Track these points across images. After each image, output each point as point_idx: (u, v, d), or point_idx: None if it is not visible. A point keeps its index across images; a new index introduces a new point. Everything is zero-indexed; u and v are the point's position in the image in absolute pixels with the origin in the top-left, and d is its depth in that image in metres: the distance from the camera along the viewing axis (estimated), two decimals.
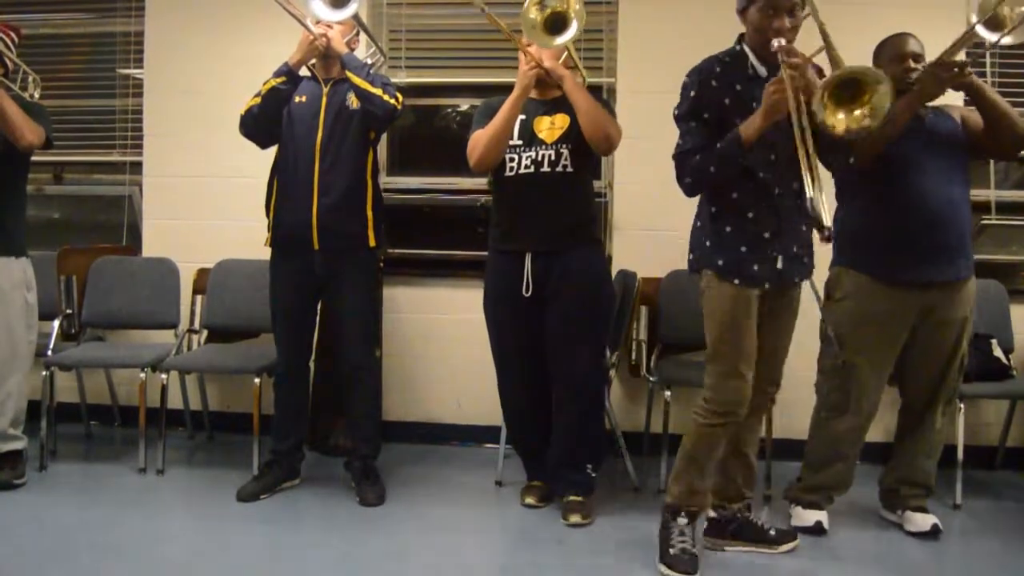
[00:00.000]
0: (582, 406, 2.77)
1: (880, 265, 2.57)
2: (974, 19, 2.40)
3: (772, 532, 2.51)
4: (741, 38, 2.33)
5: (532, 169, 2.69)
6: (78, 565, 2.34)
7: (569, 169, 2.69)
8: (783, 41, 2.10)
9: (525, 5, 2.48)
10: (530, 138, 2.72)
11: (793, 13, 2.17)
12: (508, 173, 2.73)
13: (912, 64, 2.54)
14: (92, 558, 2.39)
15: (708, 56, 2.31)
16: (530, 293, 2.71)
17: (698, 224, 2.40)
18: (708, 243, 2.33)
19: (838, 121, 2.01)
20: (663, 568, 2.31)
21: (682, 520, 2.36)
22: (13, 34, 2.95)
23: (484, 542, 2.70)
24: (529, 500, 2.88)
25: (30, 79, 2.96)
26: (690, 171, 2.25)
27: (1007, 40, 2.39)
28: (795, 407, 3.46)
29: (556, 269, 2.70)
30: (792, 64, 2.05)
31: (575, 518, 2.71)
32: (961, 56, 2.52)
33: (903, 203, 2.53)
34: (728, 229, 2.30)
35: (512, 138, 2.70)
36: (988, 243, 3.56)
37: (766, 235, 2.28)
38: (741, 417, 2.31)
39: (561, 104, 2.72)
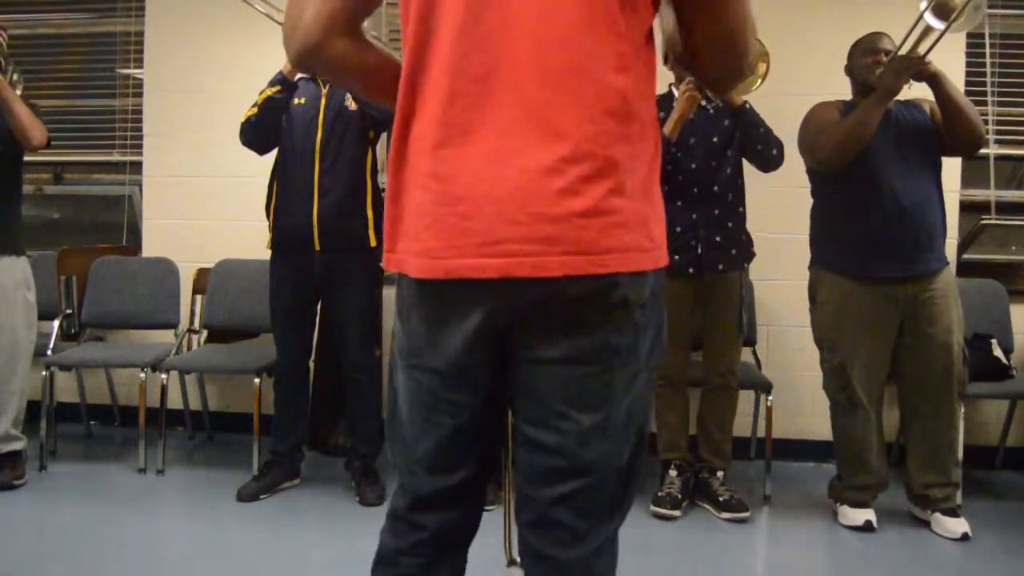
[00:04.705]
0: None
1: (853, 263, 2.65)
2: (923, 6, 2.42)
3: (721, 499, 2.80)
4: (672, 85, 2.88)
5: None
6: (78, 565, 2.34)
7: None
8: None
9: None
10: None
11: None
12: None
13: (883, 59, 2.60)
14: (92, 558, 2.39)
15: None
16: None
17: None
18: None
19: (736, 90, 2.57)
20: (652, 508, 2.77)
21: (672, 472, 2.88)
22: (2, 32, 2.94)
23: (483, 541, 2.69)
24: None
25: (15, 77, 2.94)
26: None
27: (957, 28, 2.40)
28: (795, 407, 3.46)
29: None
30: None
31: None
32: (923, 48, 2.53)
33: (871, 201, 2.58)
34: None
35: None
36: (988, 243, 3.56)
37: (678, 230, 2.75)
38: (677, 380, 2.86)
39: None
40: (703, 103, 2.70)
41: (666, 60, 2.87)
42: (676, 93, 2.80)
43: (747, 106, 2.71)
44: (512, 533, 2.18)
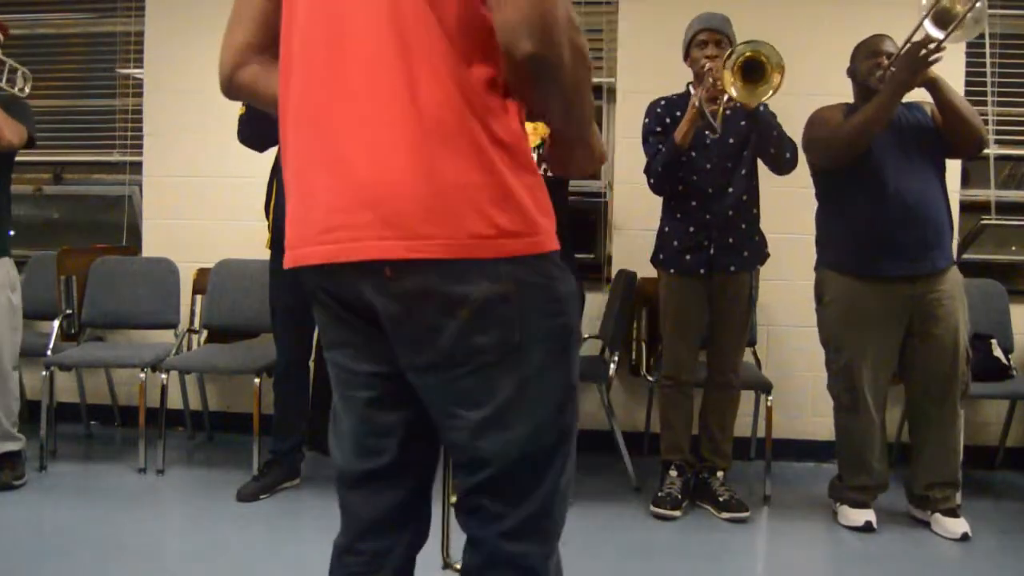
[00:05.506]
0: None
1: (858, 264, 2.66)
2: (923, 13, 2.42)
3: (721, 499, 2.80)
4: (690, 84, 2.85)
5: None
6: (78, 565, 2.34)
7: (549, 174, 2.73)
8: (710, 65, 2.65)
9: None
10: None
11: (719, 45, 2.71)
12: None
13: (884, 62, 2.61)
14: (92, 558, 2.39)
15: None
16: None
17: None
18: (656, 242, 2.91)
19: (748, 97, 2.55)
20: (652, 508, 2.78)
21: (673, 472, 2.88)
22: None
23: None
24: None
25: (19, 74, 2.89)
26: (650, 173, 2.82)
27: (955, 39, 2.40)
28: (795, 407, 3.47)
29: None
30: (711, 71, 2.60)
31: None
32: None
33: (875, 201, 2.60)
34: (666, 229, 2.88)
35: None
36: (988, 243, 3.56)
37: (691, 229, 2.78)
38: (683, 380, 2.86)
39: None
40: (707, 132, 2.70)
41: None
42: (692, 92, 2.77)
43: (762, 108, 2.68)
44: (449, 536, 2.20)
